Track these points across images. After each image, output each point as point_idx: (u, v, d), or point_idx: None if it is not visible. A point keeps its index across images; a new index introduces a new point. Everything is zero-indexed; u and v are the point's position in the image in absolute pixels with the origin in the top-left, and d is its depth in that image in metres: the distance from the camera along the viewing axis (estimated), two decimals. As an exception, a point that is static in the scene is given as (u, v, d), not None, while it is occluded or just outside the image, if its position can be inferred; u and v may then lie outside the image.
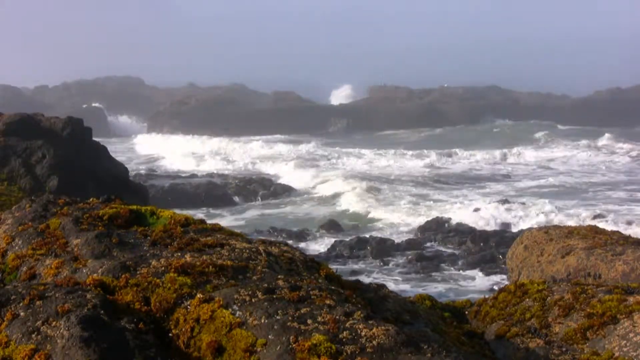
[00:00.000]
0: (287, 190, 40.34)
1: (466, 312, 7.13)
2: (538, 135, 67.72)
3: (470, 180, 45.02)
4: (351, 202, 36.06)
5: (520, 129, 71.98)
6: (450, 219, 31.17)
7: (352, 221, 32.28)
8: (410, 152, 57.13)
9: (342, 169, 49.48)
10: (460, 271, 24.23)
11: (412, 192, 39.96)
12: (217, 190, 38.57)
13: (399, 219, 32.27)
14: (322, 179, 42.84)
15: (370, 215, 33.53)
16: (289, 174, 46.53)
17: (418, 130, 75.84)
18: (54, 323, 4.75)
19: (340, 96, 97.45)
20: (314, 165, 50.85)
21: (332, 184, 40.66)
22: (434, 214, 32.28)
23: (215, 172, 48.19)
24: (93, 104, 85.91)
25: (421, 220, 31.29)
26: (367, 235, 28.27)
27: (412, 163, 52.32)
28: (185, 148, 62.20)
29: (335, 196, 37.90)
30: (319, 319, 4.73)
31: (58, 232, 6.75)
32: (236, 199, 38.20)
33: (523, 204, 34.01)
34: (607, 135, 63.47)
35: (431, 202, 35.96)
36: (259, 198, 38.63)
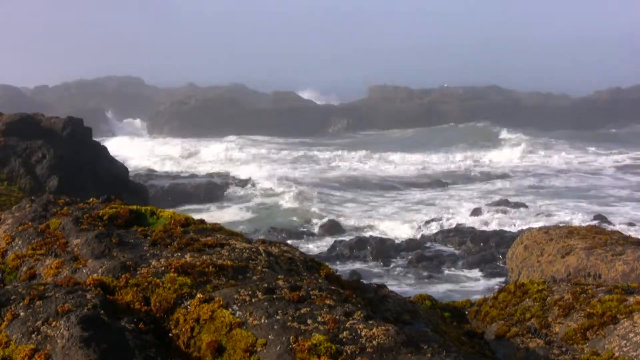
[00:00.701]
0: (278, 189, 40.40)
1: (466, 312, 7.13)
2: (533, 137, 67.50)
3: (467, 180, 45.06)
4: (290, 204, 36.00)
5: (513, 131, 71.75)
6: (451, 218, 31.21)
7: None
8: (401, 155, 57.06)
9: (334, 170, 49.48)
10: (461, 271, 24.23)
11: (402, 194, 40.02)
12: (217, 190, 38.71)
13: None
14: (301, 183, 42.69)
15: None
16: (250, 171, 46.38)
17: (416, 130, 75.55)
18: (54, 323, 4.75)
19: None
20: (305, 168, 50.83)
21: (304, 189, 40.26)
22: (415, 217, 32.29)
23: (215, 172, 48.24)
24: (94, 104, 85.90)
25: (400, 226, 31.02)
26: (368, 235, 28.28)
27: (405, 165, 52.39)
28: (151, 151, 60.69)
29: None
30: (319, 319, 4.73)
31: (58, 232, 6.74)
32: (235, 198, 38.30)
33: (523, 204, 34.03)
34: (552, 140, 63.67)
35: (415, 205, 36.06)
36: (258, 198, 38.70)
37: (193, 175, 45.47)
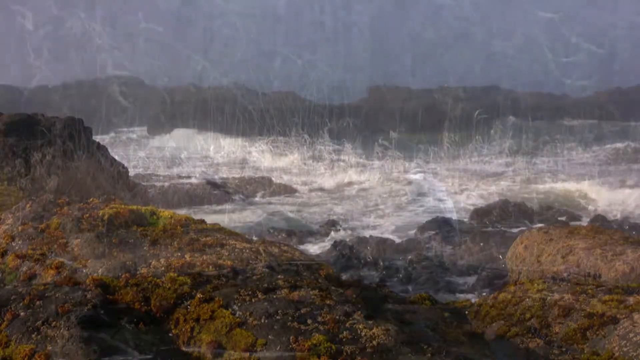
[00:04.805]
0: (288, 191, 40.40)
1: (466, 312, 7.12)
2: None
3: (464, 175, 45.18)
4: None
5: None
6: (450, 218, 31.18)
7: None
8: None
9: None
10: (460, 271, 24.23)
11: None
12: (217, 190, 38.70)
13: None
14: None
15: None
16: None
17: (416, 135, 74.89)
18: (54, 323, 4.75)
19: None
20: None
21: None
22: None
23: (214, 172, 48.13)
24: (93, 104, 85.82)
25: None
26: (367, 235, 28.25)
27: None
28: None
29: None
30: (319, 319, 4.73)
31: (58, 232, 6.74)
32: (236, 198, 38.28)
33: (523, 203, 34.01)
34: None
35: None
36: (259, 197, 38.68)
37: (192, 175, 45.37)
